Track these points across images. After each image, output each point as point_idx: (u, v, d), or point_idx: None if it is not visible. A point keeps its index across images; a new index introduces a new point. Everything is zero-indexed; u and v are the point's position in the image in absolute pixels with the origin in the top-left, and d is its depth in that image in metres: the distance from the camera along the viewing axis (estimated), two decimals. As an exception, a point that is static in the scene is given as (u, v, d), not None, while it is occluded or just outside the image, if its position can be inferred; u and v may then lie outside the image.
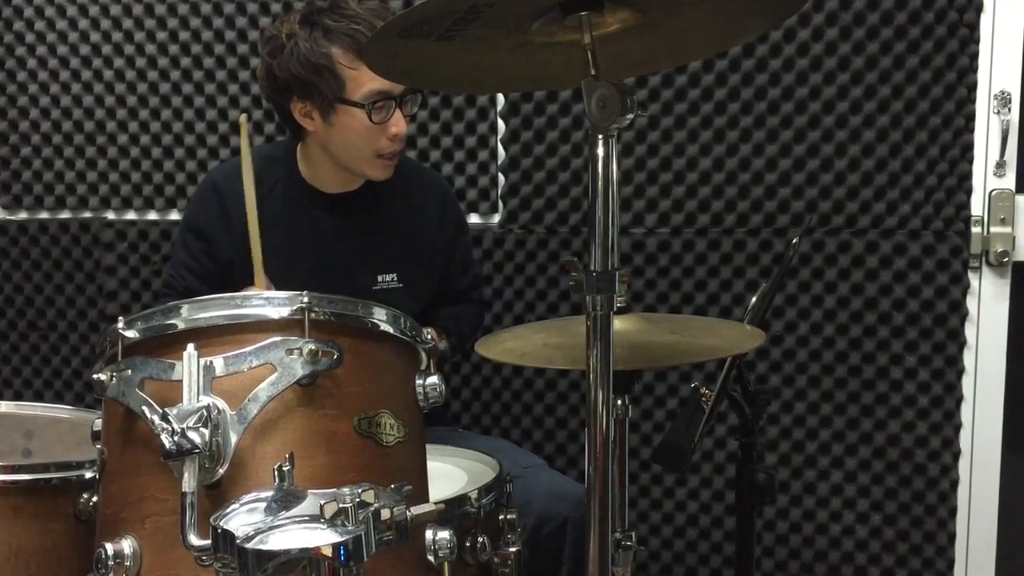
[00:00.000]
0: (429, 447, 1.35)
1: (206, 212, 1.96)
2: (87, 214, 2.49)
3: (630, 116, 1.15)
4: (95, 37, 2.44)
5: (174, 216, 2.44)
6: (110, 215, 2.48)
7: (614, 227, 1.17)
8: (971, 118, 2.18)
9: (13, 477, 1.42)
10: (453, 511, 1.35)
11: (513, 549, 1.43)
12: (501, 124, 2.33)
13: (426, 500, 1.24)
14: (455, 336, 2.02)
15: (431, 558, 1.19)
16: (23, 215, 2.52)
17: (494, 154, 2.35)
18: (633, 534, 1.46)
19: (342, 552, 0.93)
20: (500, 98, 2.32)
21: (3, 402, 1.79)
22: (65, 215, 2.50)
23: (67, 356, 2.52)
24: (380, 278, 1.96)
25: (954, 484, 2.26)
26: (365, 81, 1.77)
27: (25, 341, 2.54)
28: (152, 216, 2.47)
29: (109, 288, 2.47)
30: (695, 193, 2.28)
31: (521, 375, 2.37)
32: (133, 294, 2.46)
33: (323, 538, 0.94)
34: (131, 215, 2.48)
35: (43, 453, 1.73)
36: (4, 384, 2.55)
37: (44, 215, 2.51)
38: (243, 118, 1.76)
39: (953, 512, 2.27)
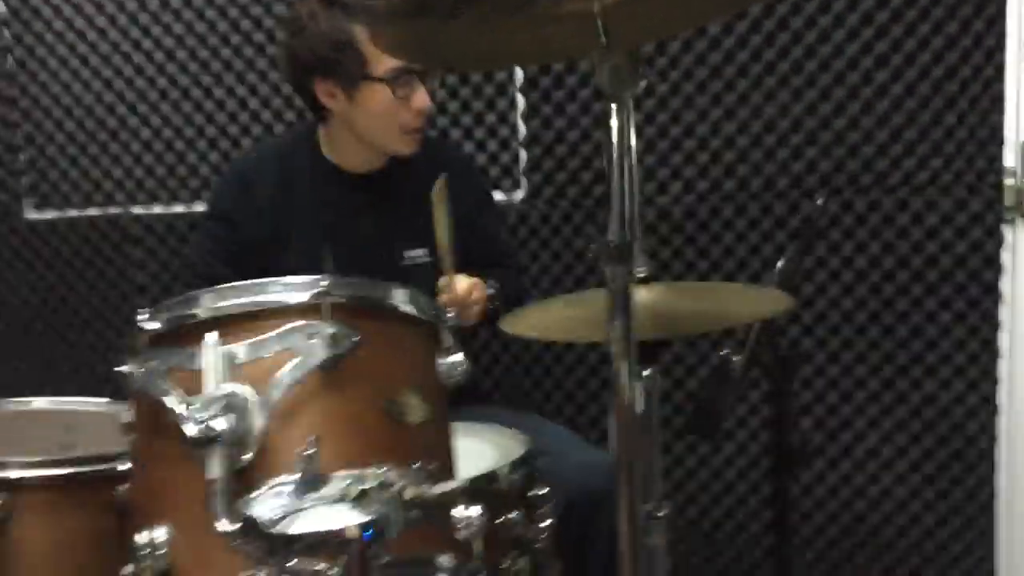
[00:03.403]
0: (458, 425, 1.35)
1: (231, 195, 1.97)
2: (114, 210, 2.52)
3: (643, 83, 1.13)
4: (114, 35, 2.45)
5: (200, 208, 2.46)
6: (137, 210, 2.51)
7: (632, 198, 1.15)
8: (1000, 68, 2.13)
9: (53, 472, 1.44)
10: (483, 487, 1.35)
11: (544, 524, 1.43)
12: (520, 99, 2.32)
13: (454, 477, 1.24)
14: (498, 288, 1.94)
15: (461, 534, 1.19)
16: (52, 214, 2.56)
17: (514, 129, 2.33)
18: (665, 504, 1.45)
19: (368, 532, 0.94)
20: (518, 72, 2.30)
21: (41, 398, 1.79)
22: (93, 212, 2.53)
23: (102, 351, 2.56)
24: (407, 254, 1.96)
25: (992, 440, 2.23)
26: (387, 57, 1.77)
27: (64, 340, 2.58)
28: (178, 208, 2.49)
29: (140, 282, 2.50)
30: (720, 158, 2.25)
31: (550, 349, 2.37)
32: (163, 287, 2.49)
33: (349, 519, 0.95)
34: (158, 209, 2.50)
35: (83, 446, 1.76)
36: (44, 381, 2.60)
37: (73, 213, 2.55)
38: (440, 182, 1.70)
39: (992, 469, 2.23)
